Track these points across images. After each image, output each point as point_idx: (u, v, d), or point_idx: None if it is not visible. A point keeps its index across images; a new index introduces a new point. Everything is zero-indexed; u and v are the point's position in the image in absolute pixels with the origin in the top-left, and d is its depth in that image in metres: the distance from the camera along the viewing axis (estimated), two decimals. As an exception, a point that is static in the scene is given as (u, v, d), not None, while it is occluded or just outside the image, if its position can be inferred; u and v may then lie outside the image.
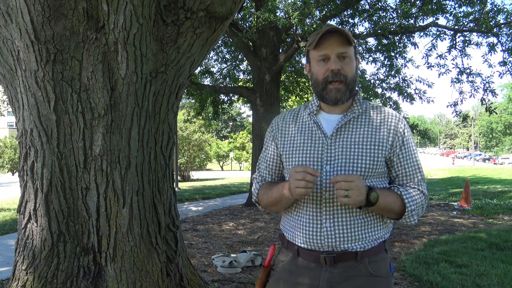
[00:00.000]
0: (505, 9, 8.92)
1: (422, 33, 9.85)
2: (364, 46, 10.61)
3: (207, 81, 12.44)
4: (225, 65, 12.54)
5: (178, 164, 20.36)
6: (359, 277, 1.40)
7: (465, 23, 9.57)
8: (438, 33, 10.05)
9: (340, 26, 2.06)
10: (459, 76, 10.11)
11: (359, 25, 12.57)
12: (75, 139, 2.38)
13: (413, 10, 9.21)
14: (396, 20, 9.50)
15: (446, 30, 9.99)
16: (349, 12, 9.70)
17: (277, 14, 8.17)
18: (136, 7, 2.31)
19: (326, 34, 1.38)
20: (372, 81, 11.04)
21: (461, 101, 10.25)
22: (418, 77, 12.88)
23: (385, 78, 10.96)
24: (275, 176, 1.60)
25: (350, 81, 1.41)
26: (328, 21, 8.77)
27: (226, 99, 12.15)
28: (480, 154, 59.04)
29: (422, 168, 1.48)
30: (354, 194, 1.27)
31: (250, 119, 34.67)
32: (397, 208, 1.40)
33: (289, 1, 8.26)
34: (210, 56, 12.14)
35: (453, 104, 10.31)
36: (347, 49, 1.40)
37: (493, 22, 8.93)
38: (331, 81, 1.40)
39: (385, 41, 9.97)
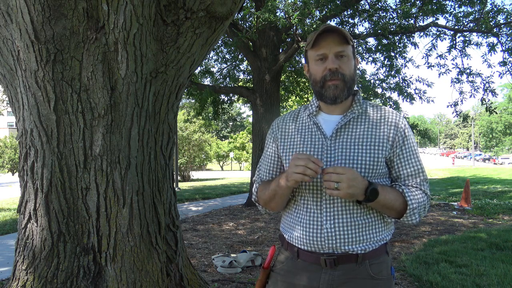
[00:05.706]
0: (505, 9, 8.92)
1: (422, 33, 9.85)
2: (364, 46, 10.61)
3: (207, 81, 12.45)
4: (225, 65, 12.55)
5: (178, 164, 20.36)
6: (359, 279, 1.38)
7: (465, 23, 9.58)
8: (438, 33, 10.06)
9: (340, 26, 2.05)
10: (459, 76, 10.13)
11: (359, 25, 12.62)
12: (75, 139, 2.38)
13: (413, 10, 9.21)
14: (396, 20, 9.51)
15: (446, 30, 10.00)
16: (349, 12, 9.71)
17: (277, 14, 8.18)
18: (136, 7, 2.31)
19: (324, 34, 1.37)
20: (372, 81, 11.04)
21: (461, 101, 10.27)
22: (418, 77, 12.88)
23: (385, 78, 10.96)
24: (275, 177, 1.58)
25: (348, 79, 1.40)
26: (328, 21, 8.77)
27: (226, 99, 12.16)
28: (480, 154, 58.98)
29: (424, 168, 1.45)
30: (344, 187, 1.25)
31: (250, 119, 34.65)
32: (398, 206, 1.37)
33: (289, 1, 8.26)
34: (210, 56, 12.16)
35: (453, 104, 10.32)
36: (345, 48, 1.39)
37: (493, 22, 8.93)
38: (329, 79, 1.39)
39: (385, 41, 9.97)
